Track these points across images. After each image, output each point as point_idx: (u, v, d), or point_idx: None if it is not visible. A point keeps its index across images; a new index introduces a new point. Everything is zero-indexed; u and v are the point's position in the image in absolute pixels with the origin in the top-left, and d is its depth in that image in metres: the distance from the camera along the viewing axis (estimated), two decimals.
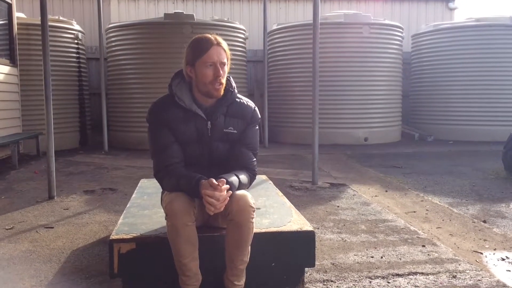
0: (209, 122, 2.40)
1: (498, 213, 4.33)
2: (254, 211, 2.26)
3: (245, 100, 2.53)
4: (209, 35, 2.37)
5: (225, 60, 2.36)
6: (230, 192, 2.19)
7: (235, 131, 2.44)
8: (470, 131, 9.87)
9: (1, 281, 2.76)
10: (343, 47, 9.36)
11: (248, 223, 2.23)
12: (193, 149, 2.41)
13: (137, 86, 8.91)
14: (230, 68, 2.46)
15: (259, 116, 2.56)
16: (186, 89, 2.42)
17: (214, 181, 2.16)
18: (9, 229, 3.83)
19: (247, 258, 2.31)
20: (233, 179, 2.27)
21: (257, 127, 2.55)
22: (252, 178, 2.46)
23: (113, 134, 9.24)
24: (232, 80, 2.49)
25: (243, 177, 2.36)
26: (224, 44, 2.38)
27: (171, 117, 2.38)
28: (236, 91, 2.49)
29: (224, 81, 2.37)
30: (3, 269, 2.95)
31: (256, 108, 2.55)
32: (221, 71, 2.32)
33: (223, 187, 2.16)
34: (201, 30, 7.98)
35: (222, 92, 2.39)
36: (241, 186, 2.31)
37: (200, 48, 2.33)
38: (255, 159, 2.50)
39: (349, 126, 9.47)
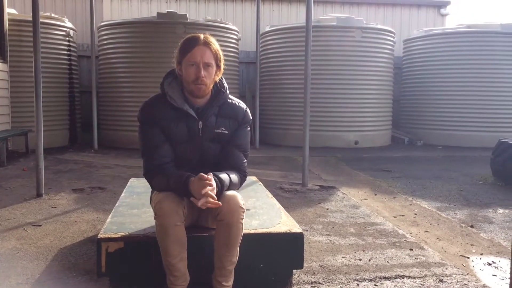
0: (200, 122, 2.40)
1: (486, 218, 4.37)
2: (244, 212, 2.26)
3: (237, 101, 2.53)
4: (200, 35, 2.37)
5: (211, 61, 2.34)
6: (213, 184, 2.18)
7: (226, 132, 2.44)
8: (460, 136, 9.95)
9: None
10: (335, 50, 9.40)
11: (237, 223, 2.23)
12: (184, 149, 2.40)
13: (128, 85, 8.88)
14: (223, 71, 2.46)
15: (251, 117, 2.56)
16: (178, 88, 2.42)
17: (203, 174, 2.16)
18: None
19: (235, 259, 2.31)
20: (224, 176, 2.28)
21: (249, 128, 2.55)
22: (242, 179, 2.46)
23: (103, 132, 9.20)
24: (224, 81, 2.49)
25: (234, 177, 2.36)
26: (214, 45, 2.37)
27: (163, 116, 2.37)
28: (228, 92, 2.49)
29: (208, 81, 2.36)
30: None
31: (248, 109, 2.55)
32: (202, 72, 2.31)
33: (210, 177, 2.17)
34: (194, 30, 7.97)
35: (206, 92, 2.39)
36: (231, 185, 2.31)
37: (186, 47, 2.35)
38: (245, 160, 2.50)
39: (340, 129, 9.51)
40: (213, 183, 2.17)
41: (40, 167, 4.87)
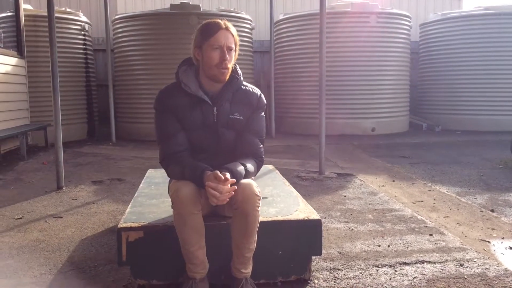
0: (215, 108, 2.40)
1: (506, 202, 4.31)
2: (259, 200, 2.25)
3: (251, 87, 2.54)
4: (219, 20, 2.38)
5: (233, 46, 2.36)
6: (235, 187, 2.16)
7: (240, 117, 2.44)
8: (478, 121, 9.81)
9: (11, 269, 2.80)
10: (350, 36, 9.30)
11: (254, 211, 2.23)
12: (199, 136, 2.40)
13: (144, 77, 8.92)
14: (237, 57, 2.47)
15: (265, 102, 2.56)
16: (192, 75, 2.42)
17: (218, 173, 2.13)
18: (19, 218, 3.87)
19: (253, 246, 2.32)
20: (240, 169, 2.26)
21: (263, 113, 2.55)
22: (259, 165, 2.46)
23: (121, 125, 9.28)
24: (238, 68, 2.50)
25: (250, 166, 2.35)
26: (233, 29, 2.39)
27: (177, 104, 2.38)
28: (241, 78, 2.50)
29: (230, 66, 2.37)
30: (13, 257, 2.99)
31: (262, 95, 2.55)
32: (227, 55, 2.33)
33: (227, 180, 2.14)
34: None
35: (227, 77, 2.40)
36: (247, 174, 2.31)
37: (208, 31, 2.34)
38: (262, 145, 2.50)
39: (356, 116, 9.44)
40: (228, 183, 2.14)
41: (60, 160, 4.94)
